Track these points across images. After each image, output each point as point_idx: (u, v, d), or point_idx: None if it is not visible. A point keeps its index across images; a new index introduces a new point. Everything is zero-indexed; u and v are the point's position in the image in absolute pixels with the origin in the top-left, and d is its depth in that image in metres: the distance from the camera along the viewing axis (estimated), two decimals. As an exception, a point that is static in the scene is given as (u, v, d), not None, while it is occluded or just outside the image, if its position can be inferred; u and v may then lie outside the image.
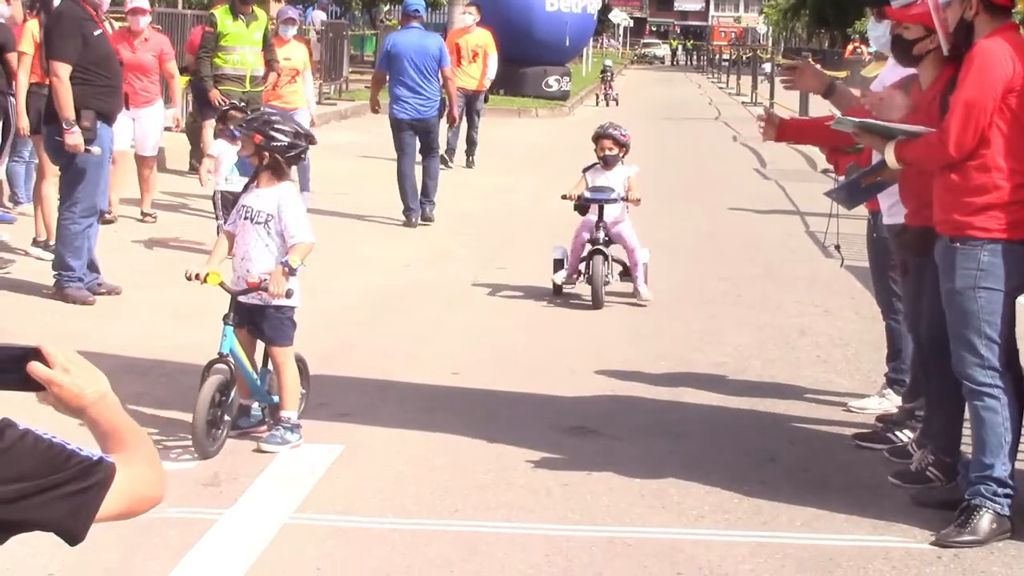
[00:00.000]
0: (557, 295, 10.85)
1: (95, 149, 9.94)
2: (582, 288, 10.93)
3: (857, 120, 6.26)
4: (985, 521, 5.89)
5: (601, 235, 10.69)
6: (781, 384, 8.58)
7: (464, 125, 20.05)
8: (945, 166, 5.93)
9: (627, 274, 10.98)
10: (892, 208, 7.01)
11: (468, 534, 5.87)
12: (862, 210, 7.73)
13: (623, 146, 11.01)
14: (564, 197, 10.87)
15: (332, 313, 10.07)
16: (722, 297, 11.23)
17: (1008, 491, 5.92)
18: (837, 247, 7.80)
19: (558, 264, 10.93)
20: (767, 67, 47.97)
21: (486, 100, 21.34)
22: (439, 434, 7.26)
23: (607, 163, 10.94)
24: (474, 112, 20.31)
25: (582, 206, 10.84)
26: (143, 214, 13.63)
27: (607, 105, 37.95)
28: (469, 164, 20.30)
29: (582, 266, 10.85)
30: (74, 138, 9.82)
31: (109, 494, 2.67)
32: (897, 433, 7.36)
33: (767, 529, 6.09)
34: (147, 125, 13.41)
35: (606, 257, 10.67)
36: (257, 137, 6.97)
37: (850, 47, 49.51)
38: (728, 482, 6.63)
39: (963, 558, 5.77)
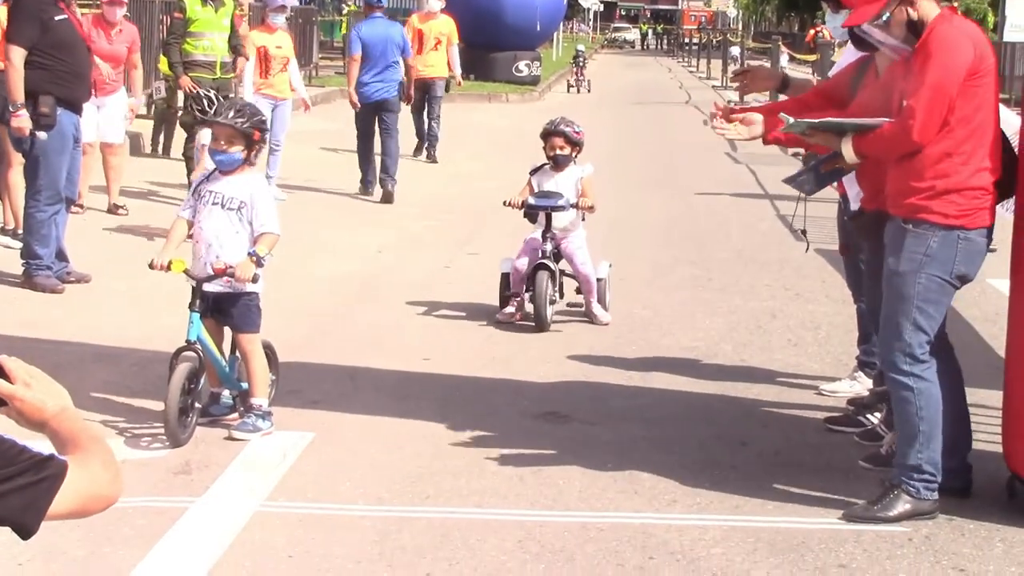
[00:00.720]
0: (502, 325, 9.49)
1: (41, 134, 9.86)
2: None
3: (808, 121, 6.17)
4: (898, 502, 5.98)
5: (548, 247, 9.36)
6: (752, 368, 8.60)
7: (424, 117, 19.22)
8: (910, 152, 5.92)
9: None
10: (859, 194, 7.03)
11: (440, 520, 5.86)
12: (832, 193, 7.75)
13: (575, 144, 9.57)
14: (506, 204, 9.59)
15: (303, 300, 10.04)
16: (692, 281, 11.24)
17: (925, 477, 5.98)
18: (803, 232, 7.79)
19: (505, 280, 9.61)
20: (735, 51, 48.06)
21: (447, 89, 20.19)
22: (411, 421, 7.25)
23: (557, 164, 9.54)
24: (433, 102, 19.06)
25: (530, 213, 9.61)
26: (113, 206, 13.40)
27: (578, 91, 37.18)
28: (430, 157, 18.96)
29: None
30: (19, 121, 9.77)
31: (61, 491, 2.68)
32: (868, 416, 7.38)
33: (739, 513, 6.09)
34: (111, 113, 13.20)
35: (553, 274, 9.32)
36: (256, 133, 6.96)
37: (811, 32, 49.56)
38: (700, 466, 6.64)
39: (934, 540, 5.79)
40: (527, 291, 9.39)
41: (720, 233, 13.75)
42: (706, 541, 5.71)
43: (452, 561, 5.43)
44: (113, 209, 13.38)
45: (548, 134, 9.56)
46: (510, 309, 9.42)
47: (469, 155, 20.04)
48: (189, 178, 13.93)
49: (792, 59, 40.64)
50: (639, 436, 7.13)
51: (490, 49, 32.61)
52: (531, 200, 9.46)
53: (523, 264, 9.34)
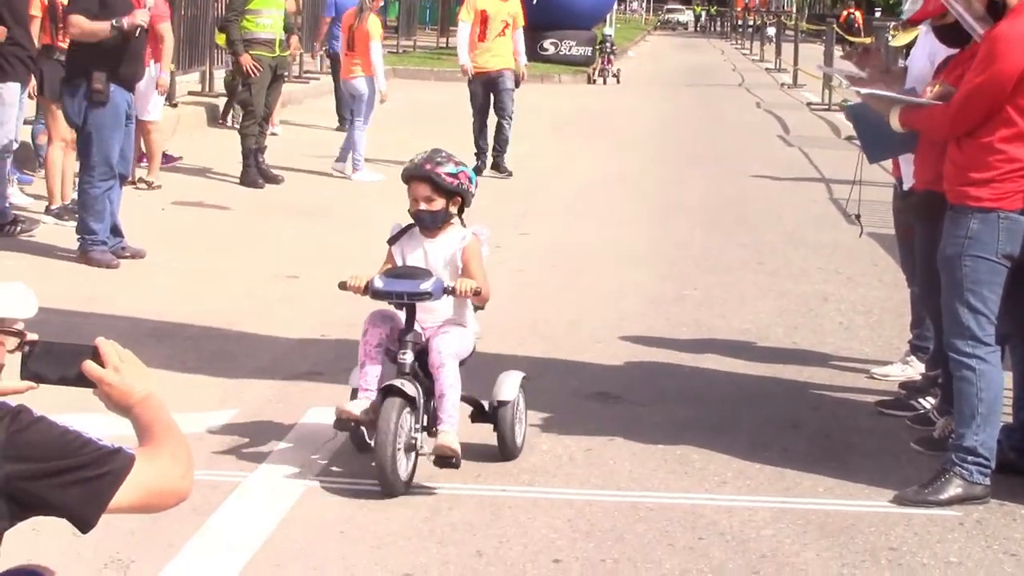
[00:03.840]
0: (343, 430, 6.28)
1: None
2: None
3: (870, 91, 6.38)
4: (950, 486, 5.96)
5: (408, 357, 6.00)
6: (804, 351, 8.58)
7: (492, 120, 16.12)
8: (951, 139, 5.99)
9: (483, 416, 6.44)
10: (915, 174, 7.02)
11: (491, 498, 5.89)
12: (887, 177, 7.72)
13: (452, 195, 6.13)
14: (343, 286, 6.28)
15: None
16: (744, 264, 11.21)
17: (980, 460, 5.96)
18: (858, 216, 7.78)
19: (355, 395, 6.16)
20: (771, 31, 47.74)
21: (517, 84, 16.24)
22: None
23: (424, 225, 6.22)
24: (505, 96, 15.89)
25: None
26: (145, 182, 13.30)
27: (604, 83, 32.72)
28: (502, 171, 15.89)
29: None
30: (138, 15, 10.01)
31: (125, 485, 2.71)
32: (920, 400, 7.36)
33: (789, 495, 6.09)
34: (142, 89, 12.99)
35: (412, 403, 5.91)
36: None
37: (844, 13, 49.36)
38: (750, 448, 6.64)
39: (985, 525, 5.77)
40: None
41: (772, 215, 13.70)
42: (756, 522, 5.71)
43: (502, 539, 5.45)
44: (148, 186, 13.28)
45: (409, 178, 6.16)
46: (358, 404, 6.00)
47: (523, 136, 20.00)
48: (243, 154, 14.04)
49: (844, 42, 40.37)
50: (690, 417, 7.14)
51: (543, 29, 32.54)
52: (377, 283, 6.05)
53: (372, 370, 6.07)
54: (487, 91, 15.87)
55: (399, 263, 6.20)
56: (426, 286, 5.95)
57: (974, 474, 5.97)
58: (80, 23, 9.90)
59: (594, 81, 32.58)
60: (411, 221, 6.26)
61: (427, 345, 6.03)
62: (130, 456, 2.74)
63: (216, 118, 18.36)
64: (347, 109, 15.83)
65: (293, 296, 9.54)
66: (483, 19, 15.77)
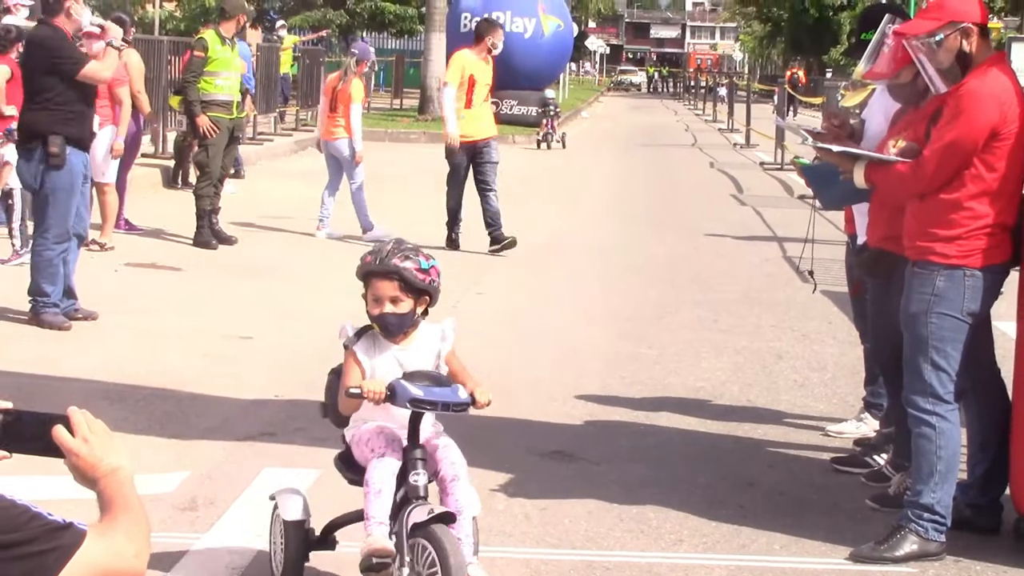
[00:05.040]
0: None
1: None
2: None
3: (829, 147, 6.37)
4: (906, 543, 5.98)
5: (422, 479, 5.05)
6: (759, 408, 8.59)
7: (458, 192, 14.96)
8: (915, 197, 6.02)
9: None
10: (867, 229, 7.07)
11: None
12: (840, 235, 7.77)
13: (420, 293, 5.14)
14: (355, 395, 5.06)
15: (311, 339, 10.04)
16: (699, 322, 11.24)
17: (936, 518, 5.99)
18: (811, 272, 7.84)
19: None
20: (723, 91, 48.18)
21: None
22: (417, 459, 7.22)
23: (390, 331, 5.20)
24: (490, 169, 14.68)
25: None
26: (98, 244, 13.17)
27: (548, 147, 30.51)
28: (500, 241, 14.60)
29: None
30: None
31: (73, 562, 2.63)
32: (875, 457, 7.37)
33: (745, 553, 6.08)
34: (99, 150, 12.78)
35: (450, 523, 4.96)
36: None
37: (788, 73, 50.00)
38: (706, 506, 6.62)
39: (941, 581, 5.78)
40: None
41: (726, 274, 13.76)
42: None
43: (458, 599, 5.40)
44: (101, 247, 13.17)
45: (370, 275, 5.14)
46: (383, 536, 4.98)
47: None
48: (197, 215, 14.00)
49: (796, 101, 40.75)
50: (645, 475, 7.12)
51: (495, 88, 32.63)
52: (413, 390, 4.96)
53: (389, 500, 5.06)
54: (470, 162, 14.64)
55: (367, 373, 5.14)
56: (463, 395, 5.05)
57: (930, 531, 5.99)
58: (97, 73, 10.07)
59: (539, 145, 30.62)
60: (363, 325, 5.25)
61: (434, 454, 5.16)
62: (81, 532, 2.67)
63: (170, 180, 18.32)
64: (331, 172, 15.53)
65: (246, 357, 9.48)
66: (470, 84, 14.50)
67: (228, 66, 14.21)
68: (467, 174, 14.73)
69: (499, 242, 14.57)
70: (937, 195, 5.96)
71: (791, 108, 38.31)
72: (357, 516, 5.23)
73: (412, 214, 16.76)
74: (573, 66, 77.25)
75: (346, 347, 5.28)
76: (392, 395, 4.94)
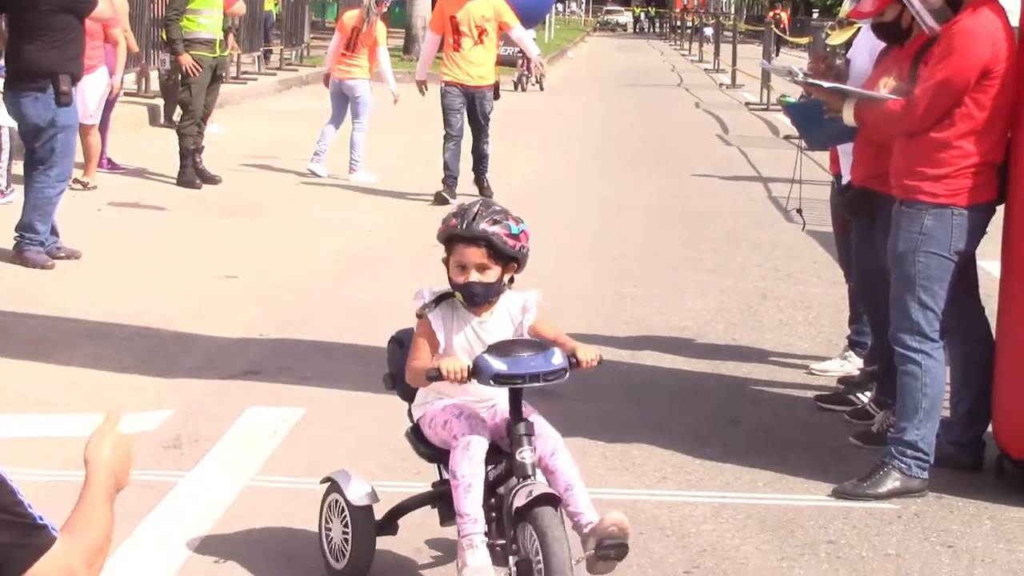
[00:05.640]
0: None
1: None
2: None
3: (820, 83, 6.34)
4: (889, 479, 6.01)
5: (530, 456, 4.51)
6: (743, 347, 8.60)
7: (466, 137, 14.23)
8: (905, 135, 6.00)
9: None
10: (852, 169, 7.06)
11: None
12: (825, 175, 7.76)
13: (509, 260, 4.66)
14: (434, 377, 4.53)
15: (294, 278, 10.03)
16: (684, 262, 11.23)
17: (919, 455, 6.02)
18: (799, 211, 7.83)
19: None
20: (709, 31, 48.03)
21: (496, 96, 14.37)
22: (401, 397, 7.22)
23: (475, 301, 4.69)
24: (479, 116, 13.99)
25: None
26: (81, 183, 13.01)
27: (523, 90, 29.12)
28: (483, 190, 13.97)
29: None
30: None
31: (38, 564, 2.64)
32: (859, 395, 7.40)
33: (729, 490, 6.10)
34: (90, 92, 12.73)
35: (556, 505, 4.48)
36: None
37: (771, 13, 49.85)
38: (690, 444, 6.64)
39: (923, 517, 5.81)
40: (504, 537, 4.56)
41: (712, 214, 13.75)
42: (696, 517, 5.72)
43: (441, 534, 5.41)
44: (83, 186, 13.04)
45: (454, 239, 4.63)
46: (482, 555, 4.47)
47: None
48: (180, 154, 13.94)
49: (785, 42, 40.67)
50: (630, 414, 7.13)
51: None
52: (496, 364, 4.47)
53: (479, 495, 4.53)
54: (461, 108, 13.86)
55: (441, 345, 4.65)
56: (558, 359, 4.54)
57: (912, 468, 6.01)
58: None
59: (515, 87, 28.77)
60: (440, 291, 4.74)
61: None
62: (52, 538, 2.69)
63: (155, 119, 18.21)
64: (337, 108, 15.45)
65: (231, 296, 9.46)
66: (453, 26, 13.80)
67: (211, 4, 14.10)
68: (461, 122, 13.89)
69: (480, 188, 14.01)
70: (926, 134, 5.95)
71: (775, 49, 38.20)
72: (425, 500, 4.84)
73: (393, 157, 16.71)
74: (559, 6, 76.86)
75: (419, 315, 4.68)
76: (476, 372, 4.43)
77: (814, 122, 6.71)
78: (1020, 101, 5.95)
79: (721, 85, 34.02)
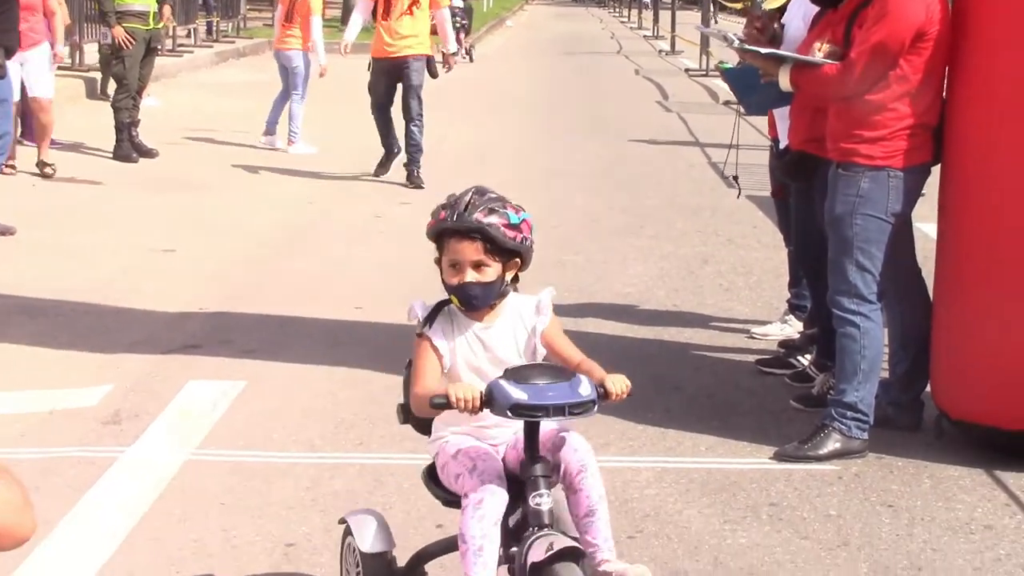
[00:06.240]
0: None
1: None
2: None
3: (755, 49, 6.35)
4: (829, 441, 6.05)
5: (546, 502, 3.87)
6: (684, 312, 8.63)
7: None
8: (841, 98, 6.02)
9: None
10: (788, 133, 7.08)
11: (374, 466, 5.84)
12: (764, 140, 7.77)
13: (510, 255, 4.08)
14: (441, 405, 3.85)
15: (234, 251, 9.97)
16: (624, 228, 11.25)
17: (859, 416, 6.07)
18: (735, 177, 7.84)
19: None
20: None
21: (433, 75, 13.60)
22: (343, 368, 7.22)
23: (472, 304, 4.08)
24: (410, 94, 13.23)
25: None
26: (42, 163, 12.78)
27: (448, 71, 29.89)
28: (414, 181, 13.20)
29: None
30: None
31: None
32: (799, 358, 7.44)
33: (671, 455, 6.12)
34: (37, 67, 12.58)
35: (580, 559, 3.82)
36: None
37: None
38: (632, 410, 6.64)
39: (863, 478, 5.85)
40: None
41: (652, 180, 13.76)
42: (639, 483, 5.73)
43: (386, 506, 5.40)
44: (41, 167, 12.77)
45: (445, 234, 4.05)
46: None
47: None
48: (116, 128, 13.80)
49: (722, 8, 40.76)
50: (572, 381, 7.12)
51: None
52: (516, 394, 3.77)
53: (492, 557, 3.86)
54: (391, 81, 13.25)
55: (446, 363, 4.06)
56: (586, 389, 3.84)
57: (852, 429, 6.05)
58: None
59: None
60: (441, 297, 4.15)
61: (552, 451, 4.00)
62: None
63: (92, 92, 18.01)
64: (286, 81, 15.26)
65: (169, 270, 9.39)
66: None
67: (145, -25, 13.94)
68: (389, 95, 13.38)
69: (411, 180, 13.20)
70: (862, 97, 5.96)
71: (713, 15, 38.27)
72: (453, 545, 4.02)
73: (334, 128, 16.62)
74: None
75: (418, 335, 4.13)
76: (489, 401, 3.79)
77: (751, 87, 6.72)
78: (954, 63, 5.99)
79: (660, 52, 34.08)
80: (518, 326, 4.12)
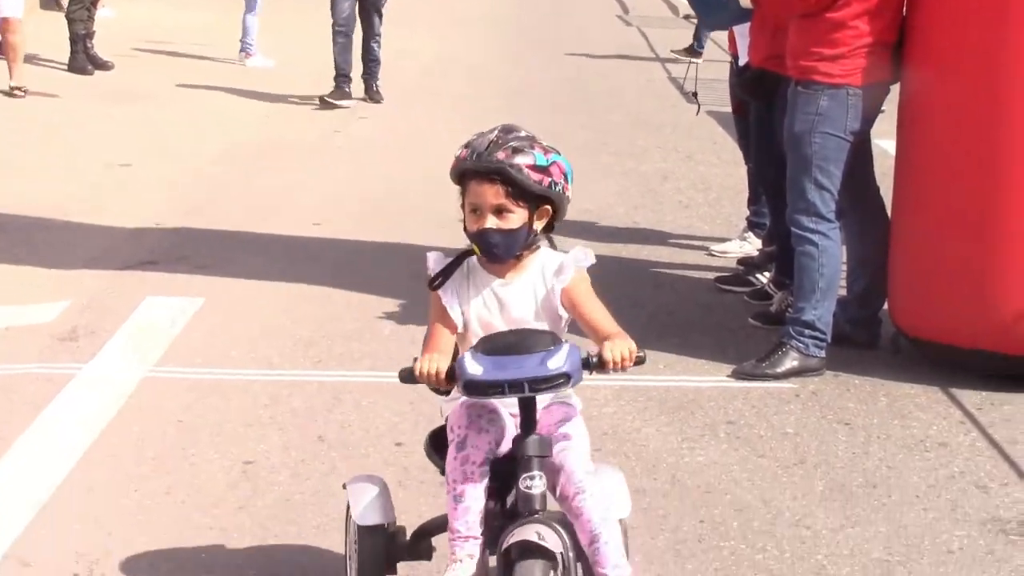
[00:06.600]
0: None
1: None
2: None
3: None
4: (787, 359, 6.08)
5: (537, 485, 3.51)
6: (644, 229, 8.62)
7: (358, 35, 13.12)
8: (801, 15, 5.99)
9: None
10: (749, 51, 7.05)
11: (332, 384, 5.84)
12: (724, 55, 7.74)
13: (541, 201, 3.68)
14: (407, 378, 3.61)
15: (193, 168, 9.89)
16: (586, 145, 11.18)
17: (816, 334, 6.10)
18: (694, 94, 7.81)
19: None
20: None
21: None
22: (302, 285, 7.19)
23: (494, 254, 3.70)
24: (369, 13, 12.95)
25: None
26: (12, 88, 12.34)
27: None
28: (373, 96, 13.05)
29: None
30: None
31: None
32: (758, 276, 7.46)
33: (629, 373, 6.09)
34: None
35: (552, 564, 3.48)
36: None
37: None
38: (591, 327, 6.66)
39: (820, 396, 5.88)
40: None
41: (612, 97, 13.69)
42: (597, 401, 5.74)
43: (344, 424, 5.42)
44: (11, 91, 12.33)
45: (466, 175, 3.75)
46: (462, 571, 3.58)
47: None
48: (71, 40, 13.61)
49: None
50: (531, 298, 7.12)
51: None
52: (472, 367, 3.47)
53: (476, 504, 3.59)
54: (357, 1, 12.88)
55: (458, 324, 3.68)
56: (558, 362, 3.45)
57: (810, 347, 6.08)
58: None
59: None
60: (464, 246, 3.77)
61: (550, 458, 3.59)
62: None
63: (47, 2, 17.73)
64: None
65: (126, 185, 9.31)
66: None
67: None
68: (352, 13, 12.89)
69: (369, 94, 13.01)
70: (822, 14, 5.94)
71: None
72: None
73: (294, 40, 16.43)
74: None
75: (431, 288, 3.73)
76: (451, 377, 3.48)
77: (712, 3, 6.69)
78: (915, -20, 5.96)
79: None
80: (539, 284, 3.71)
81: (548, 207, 3.67)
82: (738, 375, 6.08)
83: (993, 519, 4.77)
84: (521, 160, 3.59)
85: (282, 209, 8.83)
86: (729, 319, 6.91)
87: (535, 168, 3.60)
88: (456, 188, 3.75)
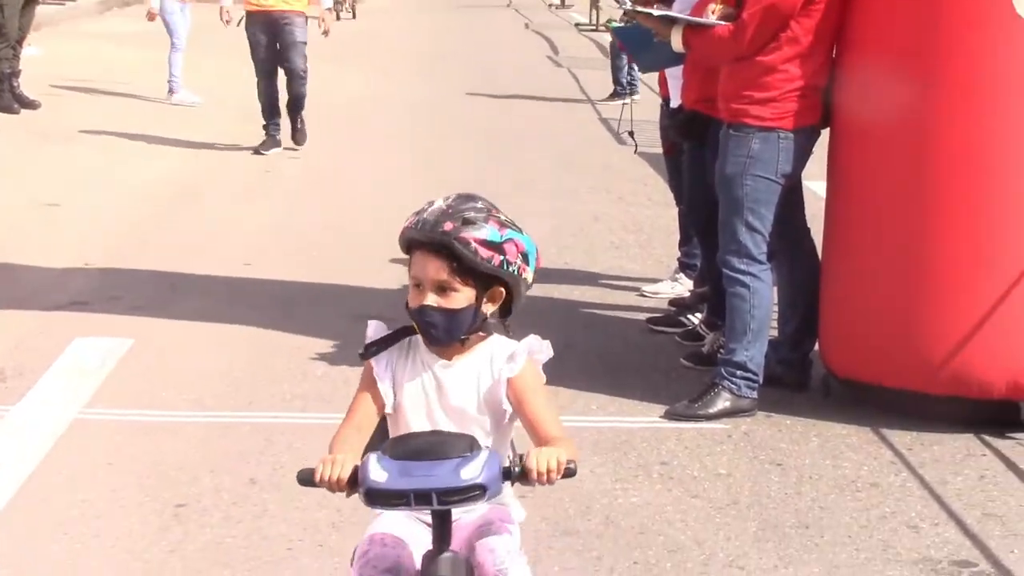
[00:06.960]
0: None
1: None
2: None
3: (648, 11, 6.34)
4: (719, 400, 6.10)
5: None
6: (576, 270, 8.65)
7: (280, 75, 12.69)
8: (733, 59, 6.05)
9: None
10: (681, 93, 7.10)
11: (264, 425, 5.79)
12: (655, 97, 7.80)
13: (491, 281, 3.30)
14: (307, 481, 3.14)
15: (123, 205, 9.83)
16: (516, 186, 11.22)
17: (748, 375, 6.13)
18: (630, 133, 7.86)
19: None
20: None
21: (325, 32, 13.29)
22: (233, 326, 7.14)
23: (433, 336, 3.27)
24: (291, 51, 12.39)
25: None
26: None
27: (337, 19, 25.93)
28: (297, 137, 12.72)
29: None
30: None
31: None
32: (689, 316, 7.49)
33: (563, 414, 6.03)
34: None
35: None
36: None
37: None
38: (524, 368, 6.65)
39: (752, 436, 5.91)
40: None
41: (543, 137, 13.75)
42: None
43: (276, 465, 5.37)
44: None
45: (412, 245, 3.26)
46: None
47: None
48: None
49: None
50: (464, 339, 7.12)
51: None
52: (376, 473, 3.01)
53: None
54: (271, 39, 12.33)
55: (387, 402, 3.31)
56: (472, 471, 3.02)
57: (742, 388, 6.11)
58: None
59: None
60: (402, 327, 3.35)
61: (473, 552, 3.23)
62: None
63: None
64: None
65: (53, 225, 9.23)
66: None
67: None
68: (271, 54, 12.40)
69: (294, 138, 12.63)
70: (753, 58, 6.00)
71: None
72: None
73: (218, 81, 16.38)
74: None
75: (362, 358, 3.35)
76: (353, 482, 3.07)
77: (643, 46, 6.73)
78: (845, 25, 6.04)
79: (551, 6, 34.04)
80: (484, 372, 3.32)
81: (502, 289, 3.31)
82: (671, 416, 6.09)
83: (924, 559, 4.80)
84: (471, 233, 3.19)
85: (212, 249, 8.78)
86: (661, 360, 6.93)
87: (485, 244, 3.21)
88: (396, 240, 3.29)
